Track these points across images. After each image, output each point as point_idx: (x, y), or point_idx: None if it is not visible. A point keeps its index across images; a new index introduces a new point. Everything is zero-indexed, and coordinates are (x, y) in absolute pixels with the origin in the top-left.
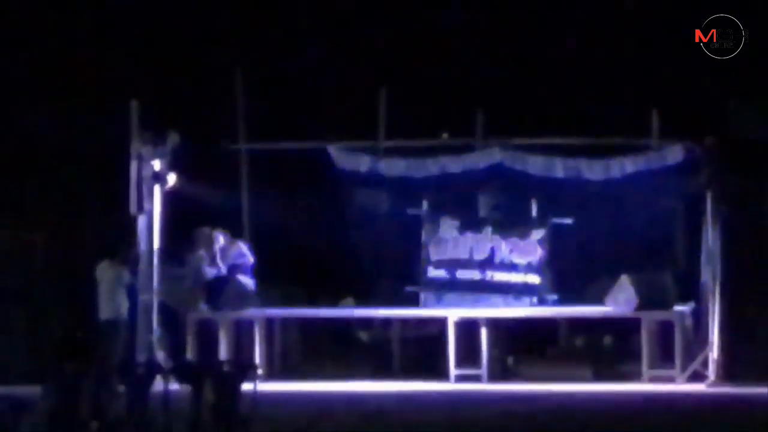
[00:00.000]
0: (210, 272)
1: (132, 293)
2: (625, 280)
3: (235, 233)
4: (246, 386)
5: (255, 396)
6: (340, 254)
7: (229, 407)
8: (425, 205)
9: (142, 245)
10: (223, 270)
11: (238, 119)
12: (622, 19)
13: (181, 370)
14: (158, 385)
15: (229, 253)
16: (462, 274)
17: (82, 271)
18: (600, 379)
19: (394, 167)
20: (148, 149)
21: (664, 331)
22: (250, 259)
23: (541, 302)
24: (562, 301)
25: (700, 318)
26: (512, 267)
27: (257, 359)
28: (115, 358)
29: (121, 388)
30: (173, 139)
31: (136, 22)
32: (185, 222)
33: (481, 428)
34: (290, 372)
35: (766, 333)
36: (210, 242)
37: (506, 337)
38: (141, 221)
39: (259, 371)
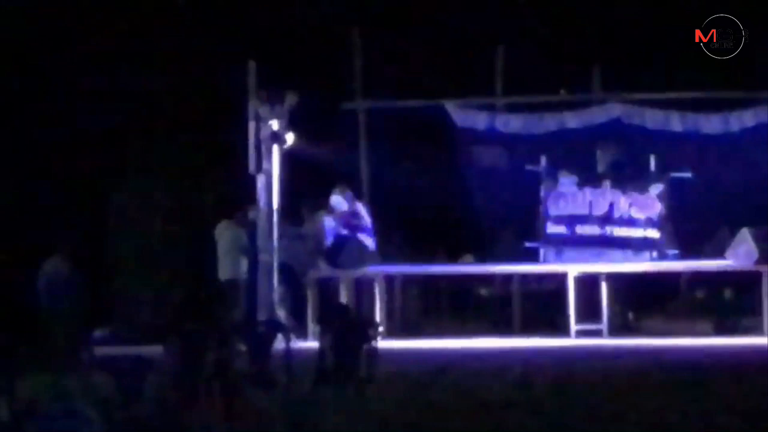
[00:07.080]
0: (330, 233)
1: (251, 253)
2: (745, 234)
3: (353, 192)
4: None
5: (376, 353)
6: (459, 212)
7: (352, 365)
8: (543, 161)
9: (261, 205)
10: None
11: (356, 78)
12: None
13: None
14: (280, 344)
15: (352, 213)
16: (581, 230)
17: (202, 232)
18: (721, 334)
19: (511, 124)
20: (266, 109)
21: None
22: (368, 219)
23: (661, 257)
24: (681, 256)
25: None
26: (631, 222)
27: (377, 317)
28: (236, 318)
29: (243, 348)
30: (291, 98)
31: None
32: (304, 181)
33: (603, 383)
34: (410, 329)
35: None
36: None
37: (626, 292)
38: (260, 181)
39: (381, 329)
